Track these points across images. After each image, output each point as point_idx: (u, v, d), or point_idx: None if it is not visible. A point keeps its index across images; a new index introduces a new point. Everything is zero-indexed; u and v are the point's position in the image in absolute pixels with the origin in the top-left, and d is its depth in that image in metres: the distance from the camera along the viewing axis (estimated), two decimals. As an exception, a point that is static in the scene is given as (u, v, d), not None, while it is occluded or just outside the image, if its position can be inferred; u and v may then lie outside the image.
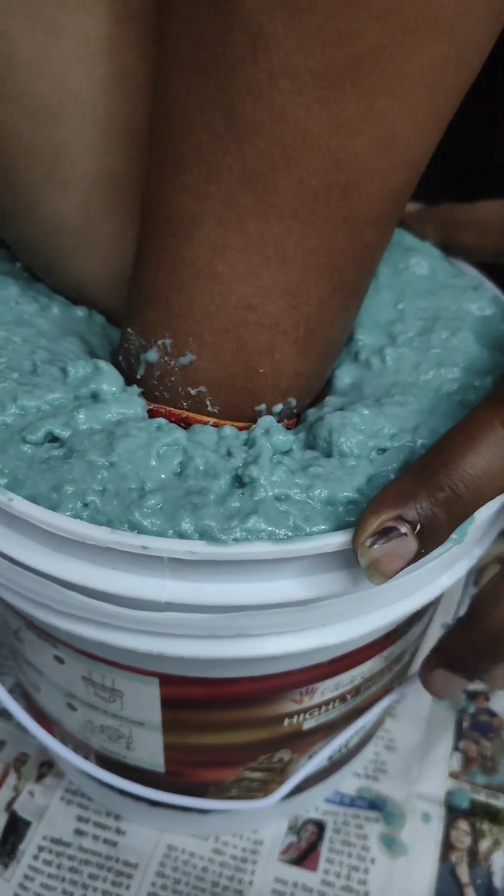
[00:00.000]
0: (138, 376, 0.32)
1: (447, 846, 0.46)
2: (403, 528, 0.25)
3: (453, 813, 0.47)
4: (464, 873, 0.45)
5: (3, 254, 0.40)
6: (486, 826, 0.47)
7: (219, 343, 0.30)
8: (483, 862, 0.46)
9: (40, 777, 0.48)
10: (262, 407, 0.32)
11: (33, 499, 0.27)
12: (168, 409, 0.32)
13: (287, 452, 0.29)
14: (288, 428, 0.33)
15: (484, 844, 0.46)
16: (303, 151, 0.26)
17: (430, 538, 0.26)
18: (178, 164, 0.28)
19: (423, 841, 0.46)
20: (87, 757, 0.40)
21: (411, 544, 0.26)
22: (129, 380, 0.33)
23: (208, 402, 0.31)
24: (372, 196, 0.28)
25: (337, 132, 0.26)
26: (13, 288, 0.36)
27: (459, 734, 0.51)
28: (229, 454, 0.29)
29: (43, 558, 0.28)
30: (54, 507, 0.27)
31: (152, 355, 0.31)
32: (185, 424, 0.32)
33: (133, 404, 0.31)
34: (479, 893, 0.44)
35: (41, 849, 0.45)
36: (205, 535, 0.27)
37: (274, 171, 0.27)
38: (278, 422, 0.32)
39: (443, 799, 0.48)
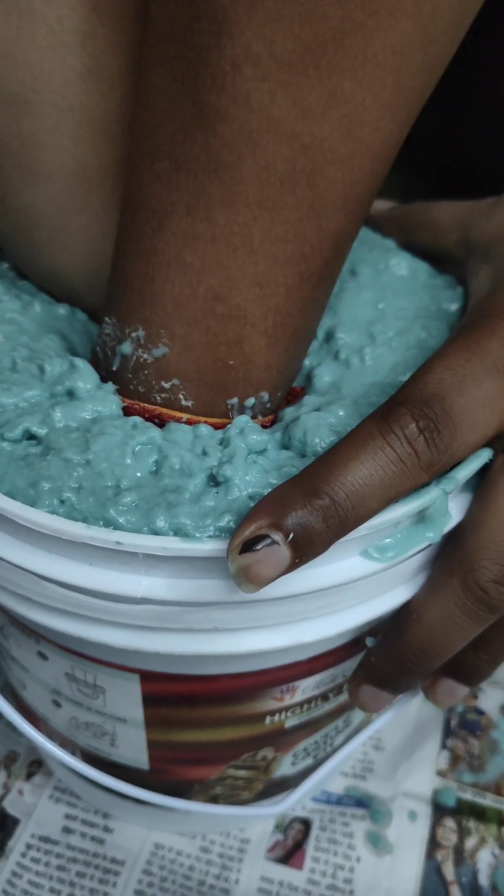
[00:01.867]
0: (114, 368, 0.32)
1: (433, 844, 0.46)
2: (276, 537, 0.24)
3: (440, 811, 0.48)
4: (449, 871, 0.45)
5: None
6: (472, 824, 0.47)
7: (189, 334, 0.30)
8: (469, 860, 0.46)
9: (29, 775, 0.48)
10: (234, 401, 0.32)
11: (11, 495, 0.28)
12: (142, 405, 0.32)
13: (262, 452, 0.29)
14: (264, 426, 0.33)
15: (470, 842, 0.46)
16: (267, 138, 0.26)
17: (305, 548, 0.25)
18: (153, 153, 0.29)
19: (409, 839, 0.46)
20: (73, 754, 0.40)
21: (283, 553, 0.25)
22: (106, 372, 0.33)
23: (181, 397, 0.31)
24: (338, 182, 0.28)
25: (301, 117, 0.26)
26: None
27: (447, 732, 0.51)
28: (204, 453, 0.29)
29: (20, 553, 0.28)
30: (31, 504, 0.27)
31: (127, 347, 0.31)
32: (159, 421, 0.32)
33: (108, 402, 0.31)
34: (464, 891, 0.44)
35: (29, 846, 0.45)
36: (179, 532, 0.27)
37: (239, 160, 0.27)
38: (252, 417, 0.32)
39: (430, 797, 0.48)
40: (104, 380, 0.33)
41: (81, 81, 0.31)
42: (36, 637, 0.34)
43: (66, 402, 0.31)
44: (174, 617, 0.28)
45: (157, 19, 0.27)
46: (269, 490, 0.27)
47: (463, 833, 0.47)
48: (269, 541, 0.24)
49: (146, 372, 0.31)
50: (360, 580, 0.29)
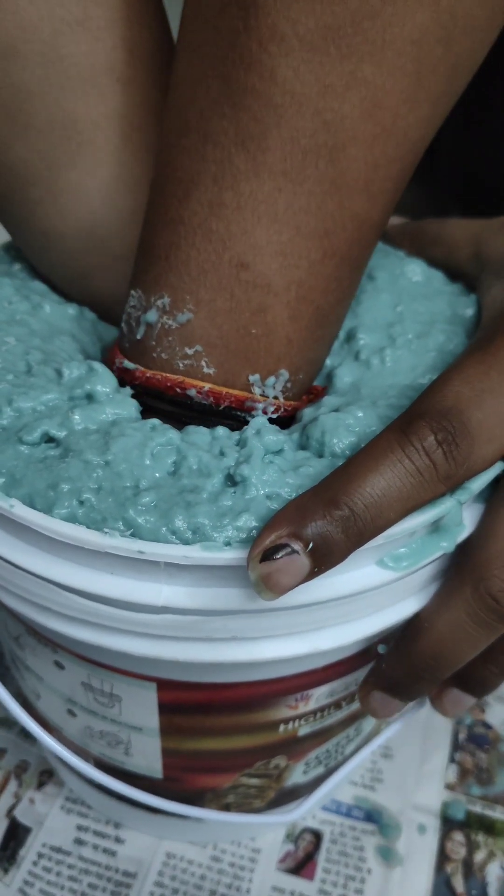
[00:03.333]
0: (138, 337, 0.32)
1: (442, 857, 0.45)
2: (296, 546, 0.24)
3: (449, 824, 0.47)
4: (459, 884, 0.44)
5: (1, 256, 0.41)
6: (481, 837, 0.46)
7: (214, 300, 0.30)
8: (478, 873, 0.45)
9: (41, 785, 0.48)
10: (257, 377, 0.32)
11: (30, 497, 0.27)
12: (164, 375, 0.32)
13: (279, 452, 0.29)
14: (286, 412, 0.33)
15: (479, 856, 0.45)
16: (291, 111, 0.27)
17: (324, 557, 0.25)
18: (182, 129, 0.30)
19: (418, 852, 0.45)
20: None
21: (303, 563, 0.25)
22: (130, 343, 0.33)
23: (204, 364, 0.31)
24: (359, 162, 0.28)
25: (323, 94, 0.27)
26: (8, 288, 0.36)
27: (456, 745, 0.51)
28: (222, 454, 0.29)
29: (42, 562, 0.28)
30: (51, 505, 0.27)
31: (152, 315, 0.31)
32: (181, 390, 0.31)
33: (127, 405, 0.31)
34: (474, 905, 0.44)
35: (41, 856, 0.44)
36: (198, 532, 0.26)
37: (265, 132, 0.28)
38: (273, 398, 0.32)
39: (438, 810, 0.47)
40: (128, 352, 0.33)
41: (70, 31, 0.32)
42: (53, 646, 0.33)
43: (84, 405, 0.30)
44: (193, 626, 0.27)
45: (188, 13, 0.29)
46: (287, 489, 0.27)
47: (472, 847, 0.46)
48: (288, 549, 0.24)
49: (170, 338, 0.31)
50: (375, 589, 0.29)
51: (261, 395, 0.32)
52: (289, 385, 0.32)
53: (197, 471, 0.28)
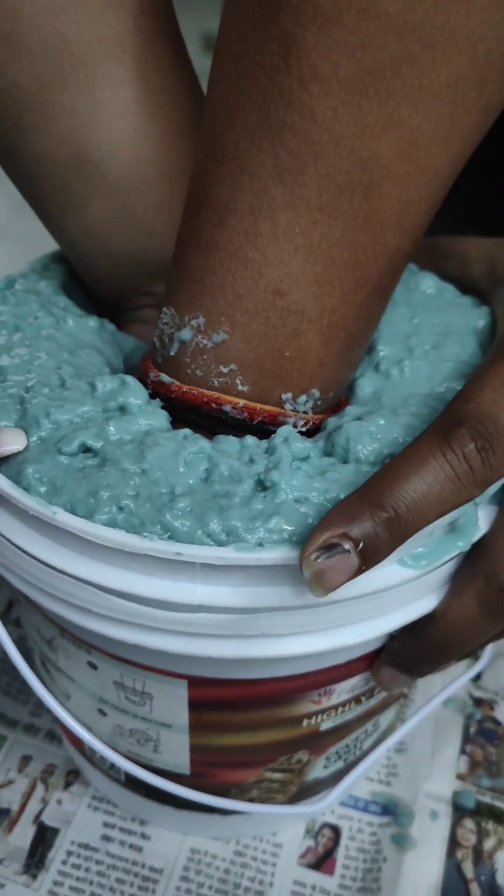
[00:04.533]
0: (171, 353, 0.33)
1: (454, 843, 0.46)
2: (347, 545, 0.26)
3: (460, 812, 0.47)
4: (469, 870, 0.45)
5: (29, 275, 0.41)
6: (490, 826, 0.47)
7: (249, 324, 0.31)
8: (487, 860, 0.45)
9: (67, 785, 0.48)
10: (289, 395, 0.32)
11: (71, 504, 0.28)
12: (200, 391, 0.32)
13: (306, 459, 0.30)
14: (315, 425, 0.33)
15: (488, 843, 0.46)
16: (329, 150, 0.27)
17: (371, 556, 0.26)
18: (218, 157, 0.30)
19: (431, 836, 0.46)
20: (113, 763, 0.40)
21: (353, 561, 0.26)
22: (163, 359, 0.33)
23: (238, 382, 0.32)
24: (392, 199, 0.29)
25: (361, 134, 0.27)
26: (34, 304, 0.37)
27: (466, 738, 0.51)
28: (251, 461, 0.30)
29: (83, 566, 0.29)
30: (91, 511, 0.28)
31: (186, 333, 0.32)
32: (217, 405, 0.32)
33: (158, 416, 0.31)
34: (483, 889, 0.44)
35: (70, 853, 0.45)
36: (231, 534, 0.27)
37: (303, 167, 0.28)
38: (303, 413, 0.33)
39: (450, 798, 0.48)
40: (161, 367, 0.33)
41: None
42: (87, 648, 0.34)
43: (118, 416, 0.31)
44: (226, 623, 0.28)
45: (225, 44, 0.29)
46: (314, 493, 0.28)
47: (482, 834, 0.47)
48: (340, 549, 0.26)
49: (205, 357, 0.32)
50: (397, 587, 0.30)
51: (292, 410, 0.33)
52: (319, 403, 0.33)
53: (228, 477, 0.29)
